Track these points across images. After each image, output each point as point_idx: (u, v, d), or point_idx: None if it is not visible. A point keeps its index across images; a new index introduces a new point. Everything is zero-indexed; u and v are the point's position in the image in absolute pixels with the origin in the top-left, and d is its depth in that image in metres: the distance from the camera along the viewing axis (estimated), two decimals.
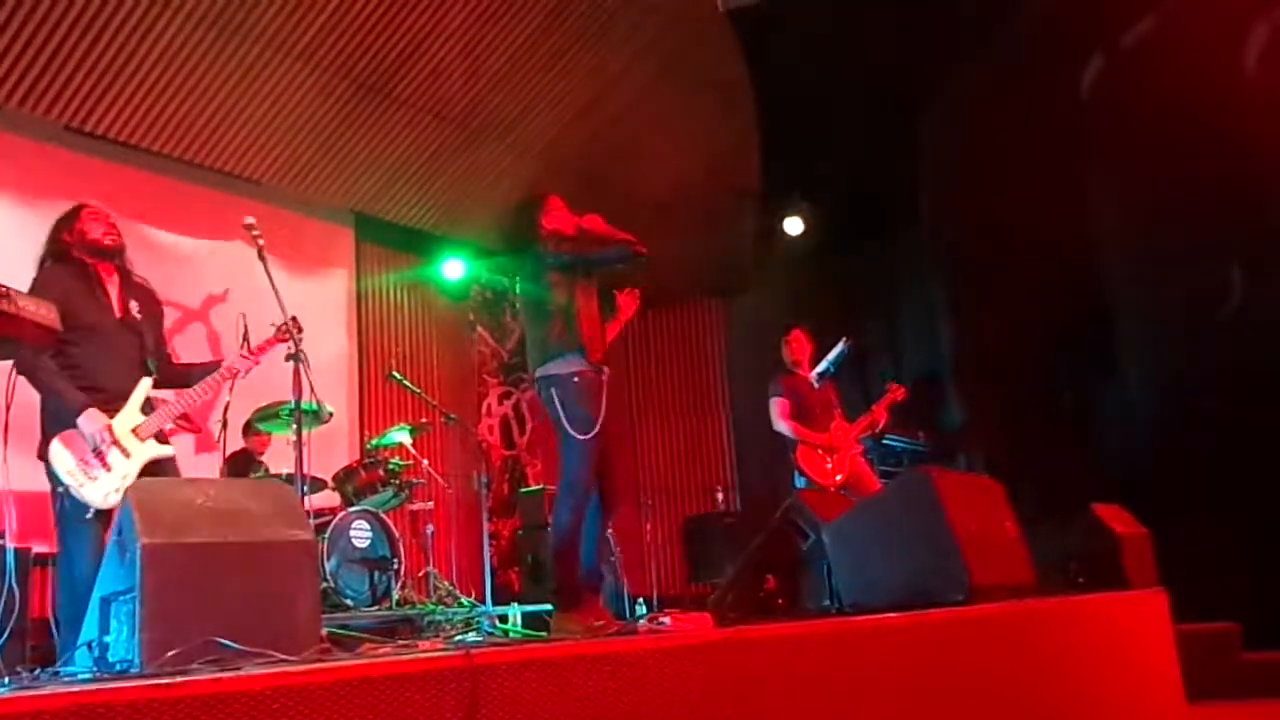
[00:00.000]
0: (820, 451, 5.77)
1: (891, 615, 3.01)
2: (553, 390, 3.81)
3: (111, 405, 3.58)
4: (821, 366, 6.09)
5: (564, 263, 3.89)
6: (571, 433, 3.76)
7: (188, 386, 3.88)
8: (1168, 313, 6.38)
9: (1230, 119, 5.75)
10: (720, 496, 9.12)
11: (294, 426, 4.53)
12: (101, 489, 3.48)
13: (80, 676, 2.30)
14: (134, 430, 3.62)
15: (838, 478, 5.73)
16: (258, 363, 4.03)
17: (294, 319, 4.09)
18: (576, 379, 3.79)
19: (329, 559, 5.28)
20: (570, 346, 3.82)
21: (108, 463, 3.53)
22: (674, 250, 9.19)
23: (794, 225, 8.80)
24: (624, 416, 9.55)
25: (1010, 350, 7.10)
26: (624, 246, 3.90)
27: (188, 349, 6.74)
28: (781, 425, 5.81)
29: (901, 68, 7.04)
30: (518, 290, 4.08)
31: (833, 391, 6.06)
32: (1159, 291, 6.40)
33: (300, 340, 4.09)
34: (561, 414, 3.78)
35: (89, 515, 3.45)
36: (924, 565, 3.50)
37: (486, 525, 6.79)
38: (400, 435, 6.40)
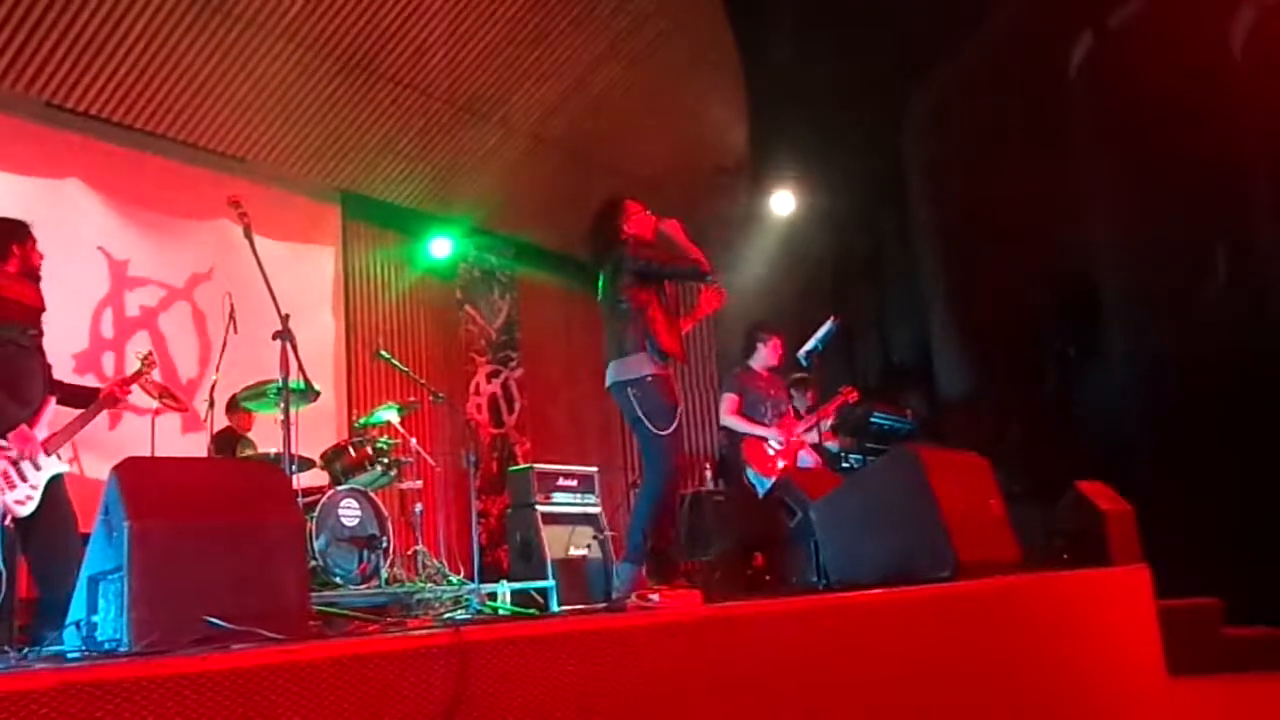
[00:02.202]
0: (765, 443, 5.91)
1: (878, 591, 3.03)
2: (629, 391, 3.99)
3: (31, 417, 3.83)
4: (810, 345, 6.11)
5: (643, 268, 4.12)
6: (654, 430, 3.94)
7: (78, 406, 4.17)
8: (1152, 292, 6.41)
9: (1217, 101, 5.76)
10: (709, 474, 9.13)
11: (281, 405, 4.52)
12: (12, 498, 3.72)
13: (69, 655, 2.30)
14: (44, 444, 3.84)
15: (780, 465, 5.82)
16: (129, 393, 4.42)
17: (150, 352, 4.55)
18: (650, 378, 3.98)
19: (318, 538, 5.28)
20: (645, 346, 4.00)
21: (24, 475, 3.76)
22: None
23: (782, 203, 8.78)
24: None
25: (996, 329, 7.13)
26: (696, 266, 4.19)
27: (173, 328, 6.72)
28: (729, 420, 6.00)
29: (891, 46, 7.02)
30: (599, 290, 4.26)
31: (784, 389, 6.20)
32: (1144, 271, 6.43)
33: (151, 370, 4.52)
34: (640, 413, 3.96)
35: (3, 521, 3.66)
36: (910, 542, 3.53)
37: (475, 503, 6.79)
38: (388, 414, 6.38)
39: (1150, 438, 6.05)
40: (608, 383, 4.14)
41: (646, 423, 3.95)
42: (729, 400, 6.02)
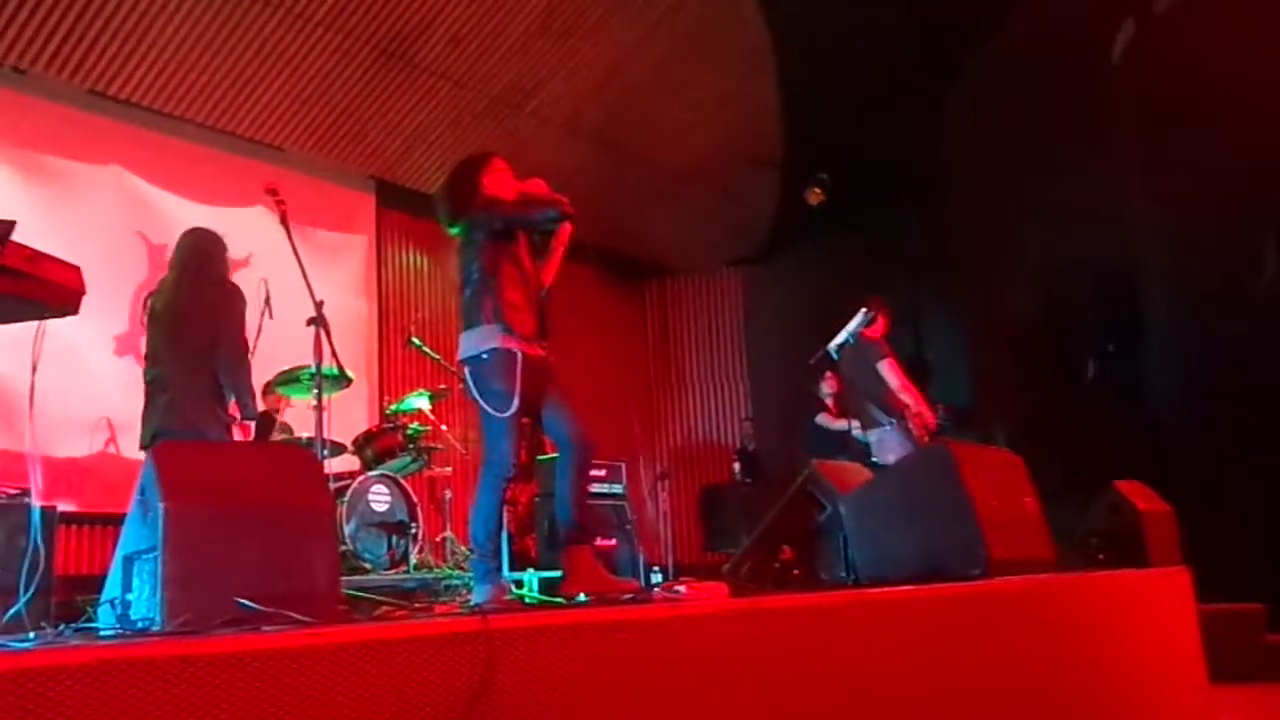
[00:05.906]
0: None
1: (908, 588, 3.00)
2: (467, 369, 3.55)
3: None
4: (841, 337, 6.07)
5: (496, 229, 3.62)
6: (491, 411, 3.49)
7: None
8: (1196, 285, 6.29)
9: (1261, 89, 5.64)
10: (737, 466, 9.11)
11: (314, 390, 4.56)
12: None
13: (103, 633, 2.33)
14: None
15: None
16: None
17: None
18: (488, 354, 3.51)
19: (348, 522, 5.32)
20: (489, 319, 3.53)
21: None
22: (693, 219, 9.19)
23: (814, 195, 8.72)
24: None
25: (1033, 322, 7.04)
26: (556, 207, 3.70)
27: None
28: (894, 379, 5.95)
29: (927, 36, 6.94)
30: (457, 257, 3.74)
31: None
32: (1188, 263, 6.31)
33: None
34: (476, 392, 3.51)
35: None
36: (942, 538, 3.49)
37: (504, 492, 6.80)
38: (419, 401, 6.42)
39: (1192, 436, 5.95)
40: (458, 358, 3.65)
41: (482, 403, 3.48)
42: (893, 363, 5.92)
